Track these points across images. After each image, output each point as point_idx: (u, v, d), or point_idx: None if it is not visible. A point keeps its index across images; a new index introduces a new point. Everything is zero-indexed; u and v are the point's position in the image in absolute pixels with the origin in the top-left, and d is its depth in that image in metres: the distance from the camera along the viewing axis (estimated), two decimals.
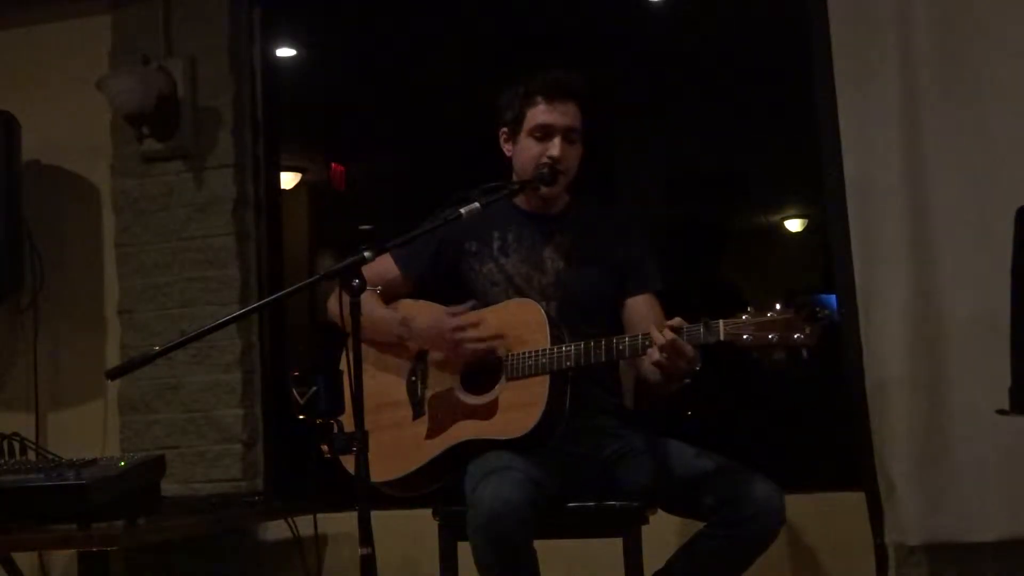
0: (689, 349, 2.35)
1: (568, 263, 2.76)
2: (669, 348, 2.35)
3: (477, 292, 2.78)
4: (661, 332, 2.36)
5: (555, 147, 2.69)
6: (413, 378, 2.73)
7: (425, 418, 2.67)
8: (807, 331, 2.25)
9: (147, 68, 3.91)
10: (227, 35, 4.00)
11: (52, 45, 4.18)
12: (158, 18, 4.02)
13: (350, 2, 4.45)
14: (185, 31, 4.02)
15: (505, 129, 2.79)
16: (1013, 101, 3.15)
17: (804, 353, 2.25)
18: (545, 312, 2.61)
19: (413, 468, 2.64)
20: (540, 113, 2.70)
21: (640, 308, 2.73)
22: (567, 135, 2.70)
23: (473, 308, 2.73)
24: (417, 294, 2.84)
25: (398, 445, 2.65)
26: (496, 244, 2.79)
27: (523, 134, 2.73)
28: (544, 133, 2.70)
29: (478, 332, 2.64)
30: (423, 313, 2.75)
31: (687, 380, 2.46)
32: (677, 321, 2.39)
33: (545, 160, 2.69)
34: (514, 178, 2.80)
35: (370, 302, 2.75)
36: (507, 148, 2.80)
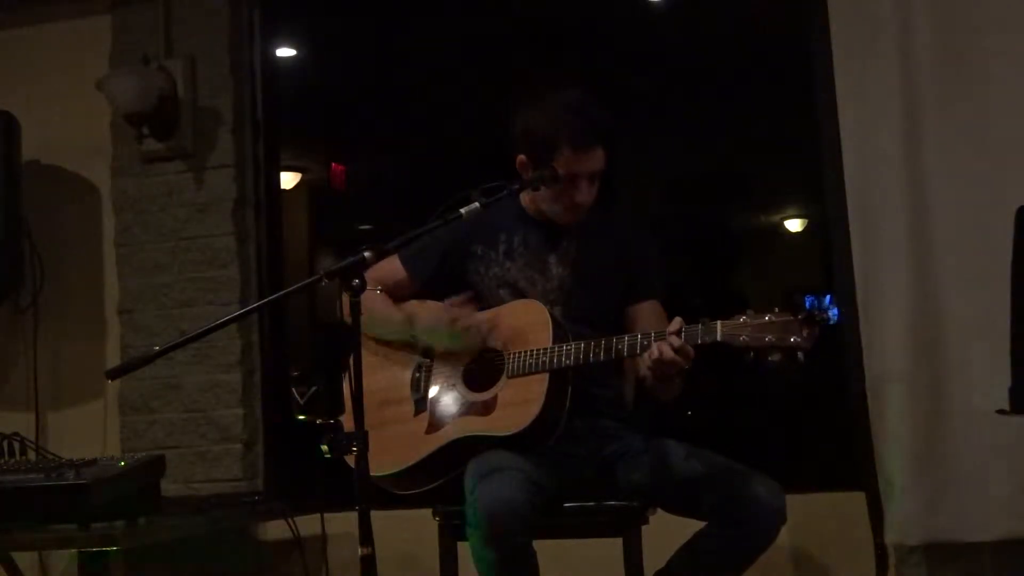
0: (691, 350, 2.36)
1: (572, 269, 2.75)
2: (681, 352, 2.36)
3: (482, 295, 2.78)
4: (668, 341, 2.38)
5: (582, 193, 2.66)
6: (417, 375, 2.74)
7: (426, 414, 2.68)
8: (804, 334, 2.26)
9: (147, 68, 3.91)
10: (227, 35, 4.01)
11: (52, 45, 4.18)
12: (158, 18, 4.02)
13: (350, 2, 4.45)
14: (185, 31, 4.02)
15: (524, 159, 2.72)
16: (1013, 101, 3.15)
17: (800, 356, 2.26)
18: (549, 313, 2.61)
19: (411, 463, 2.64)
20: (568, 163, 2.63)
21: (644, 315, 2.72)
22: (592, 177, 2.68)
23: (469, 299, 2.73)
24: (423, 296, 2.84)
25: (398, 440, 2.66)
26: (502, 248, 2.79)
27: None
28: (570, 180, 2.65)
29: (475, 321, 2.64)
30: (426, 311, 2.76)
31: (678, 378, 2.47)
32: (678, 321, 2.40)
33: (568, 203, 2.67)
34: (526, 200, 2.80)
35: (378, 301, 2.76)
36: (524, 173, 2.73)
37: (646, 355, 2.42)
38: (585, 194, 2.68)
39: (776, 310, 2.29)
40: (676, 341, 2.36)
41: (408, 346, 2.77)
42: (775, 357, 2.28)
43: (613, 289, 2.76)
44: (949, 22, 3.22)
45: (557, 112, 2.65)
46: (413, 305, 2.81)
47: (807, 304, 2.27)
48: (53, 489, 2.76)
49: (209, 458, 3.85)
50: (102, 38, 4.08)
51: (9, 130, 3.90)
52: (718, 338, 2.34)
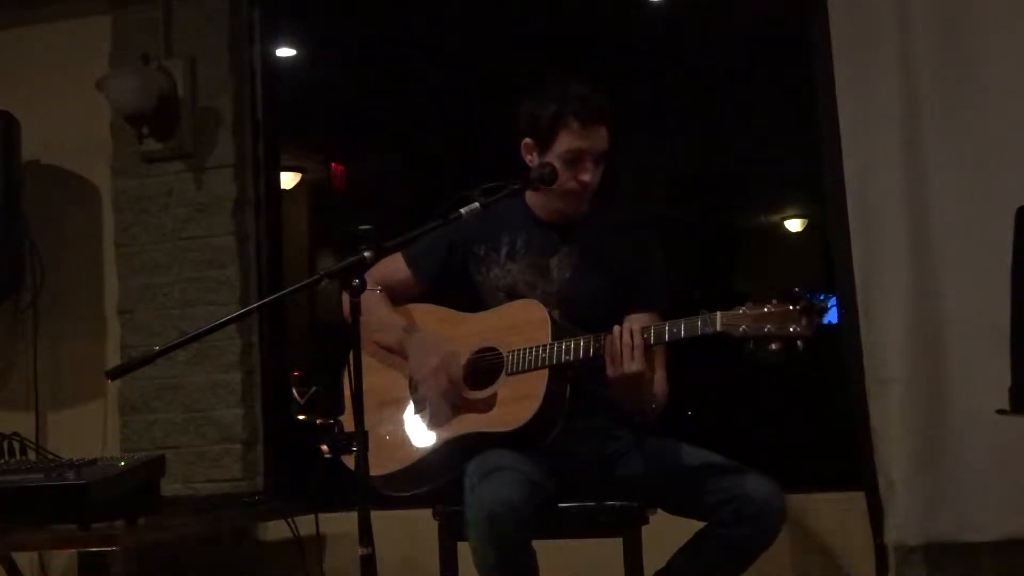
0: (639, 349, 2.41)
1: (574, 273, 2.75)
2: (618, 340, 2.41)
3: (483, 296, 2.78)
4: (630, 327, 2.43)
5: (587, 172, 2.67)
6: None
7: (426, 413, 2.68)
8: (803, 323, 2.27)
9: (147, 68, 3.91)
10: (227, 35, 4.00)
11: (52, 45, 4.18)
12: (158, 18, 4.02)
13: (350, 2, 4.46)
14: (185, 31, 4.01)
15: (530, 142, 2.73)
16: (1013, 102, 3.14)
17: (799, 344, 2.28)
18: (548, 311, 2.61)
19: (411, 462, 2.63)
20: (574, 138, 2.65)
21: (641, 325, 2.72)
22: (597, 158, 2.69)
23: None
24: (426, 295, 2.84)
25: (398, 439, 2.66)
26: (504, 249, 2.79)
27: (552, 154, 2.69)
28: (576, 157, 2.67)
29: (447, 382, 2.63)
30: (423, 324, 2.76)
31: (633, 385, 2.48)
32: (651, 326, 2.45)
33: (573, 185, 2.67)
34: (532, 200, 2.80)
35: (380, 303, 2.76)
36: (529, 159, 2.75)
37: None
38: (591, 174, 2.68)
39: (774, 301, 2.30)
40: (636, 335, 2.40)
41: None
42: (775, 347, 2.29)
43: (613, 296, 2.74)
44: (949, 22, 3.22)
45: (562, 92, 2.68)
46: (411, 311, 2.81)
47: (808, 294, 2.28)
48: (53, 489, 2.76)
49: (209, 458, 3.85)
50: (102, 38, 4.08)
51: (9, 130, 3.90)
52: (718, 328, 2.34)
